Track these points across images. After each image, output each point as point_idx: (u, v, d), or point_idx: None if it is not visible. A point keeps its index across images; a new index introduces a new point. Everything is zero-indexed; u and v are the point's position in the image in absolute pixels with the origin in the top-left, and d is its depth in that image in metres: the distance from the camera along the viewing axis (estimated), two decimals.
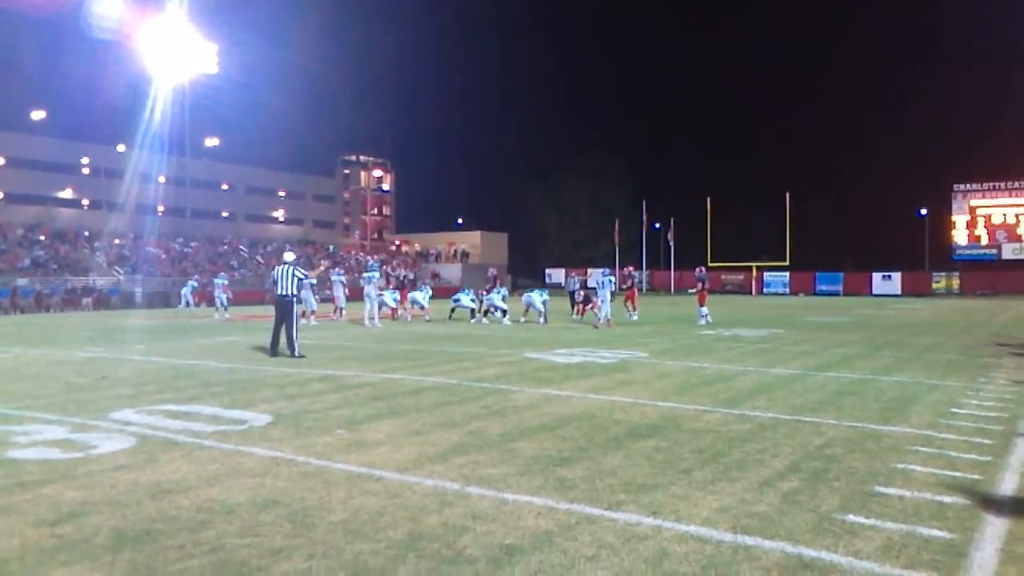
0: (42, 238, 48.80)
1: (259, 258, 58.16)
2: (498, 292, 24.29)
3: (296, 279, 13.88)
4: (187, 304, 30.79)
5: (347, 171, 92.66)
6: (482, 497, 5.00)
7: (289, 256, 14.49)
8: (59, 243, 49.03)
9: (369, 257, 25.28)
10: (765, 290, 61.95)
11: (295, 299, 13.84)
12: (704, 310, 23.41)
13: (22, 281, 40.08)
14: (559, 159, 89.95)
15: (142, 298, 41.95)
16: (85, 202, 59.58)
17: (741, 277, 63.23)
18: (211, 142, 63.91)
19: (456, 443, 6.58)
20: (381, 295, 23.68)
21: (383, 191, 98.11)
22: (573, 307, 26.76)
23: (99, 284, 43.14)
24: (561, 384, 10.15)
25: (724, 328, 20.97)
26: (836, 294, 58.26)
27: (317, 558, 3.95)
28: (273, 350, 13.74)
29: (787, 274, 61.36)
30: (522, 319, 23.37)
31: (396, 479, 5.43)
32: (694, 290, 24.62)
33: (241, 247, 59.83)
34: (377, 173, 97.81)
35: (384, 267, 38.67)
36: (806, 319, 26.18)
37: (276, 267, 14.58)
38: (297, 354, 13.27)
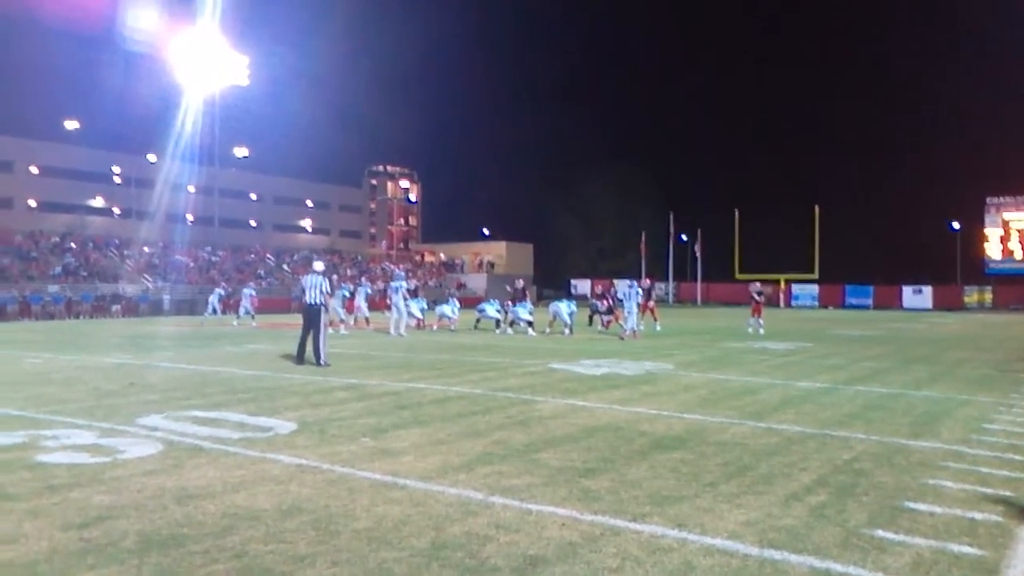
0: (73, 246, 49.45)
1: (286, 267, 58.59)
2: (523, 306, 24.12)
3: (322, 290, 13.96)
4: (214, 311, 31.01)
5: (374, 181, 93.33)
6: (506, 507, 4.98)
7: (319, 266, 14.59)
8: (90, 251, 49.69)
9: (396, 267, 25.49)
10: (793, 303, 61.41)
11: (322, 307, 13.92)
12: (759, 321, 24.68)
13: (53, 288, 40.66)
14: (585, 170, 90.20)
15: (170, 306, 42.37)
16: (116, 211, 60.39)
17: (769, 290, 62.56)
18: (240, 152, 64.61)
19: (480, 453, 6.57)
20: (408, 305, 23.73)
21: (409, 201, 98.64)
22: (591, 320, 26.87)
23: (128, 292, 43.66)
24: (586, 395, 10.11)
25: (752, 340, 20.82)
26: (866, 307, 57.64)
27: (341, 565, 3.95)
28: (299, 358, 13.82)
29: (816, 287, 60.82)
30: (547, 329, 23.32)
31: (420, 488, 5.43)
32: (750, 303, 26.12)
33: (268, 256, 60.34)
34: (404, 184, 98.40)
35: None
36: (835, 332, 25.92)
37: (305, 276, 14.69)
38: (323, 363, 13.34)
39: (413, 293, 29.58)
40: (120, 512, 4.81)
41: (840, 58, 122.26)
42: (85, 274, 45.18)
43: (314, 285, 13.92)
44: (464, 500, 5.14)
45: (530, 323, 23.56)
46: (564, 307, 23.51)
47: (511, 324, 24.25)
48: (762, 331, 24.16)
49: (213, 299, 31.54)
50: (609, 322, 25.52)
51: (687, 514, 4.87)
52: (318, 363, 13.35)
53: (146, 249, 52.32)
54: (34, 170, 56.52)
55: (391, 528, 4.54)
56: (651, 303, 25.64)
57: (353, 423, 7.94)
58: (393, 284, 23.74)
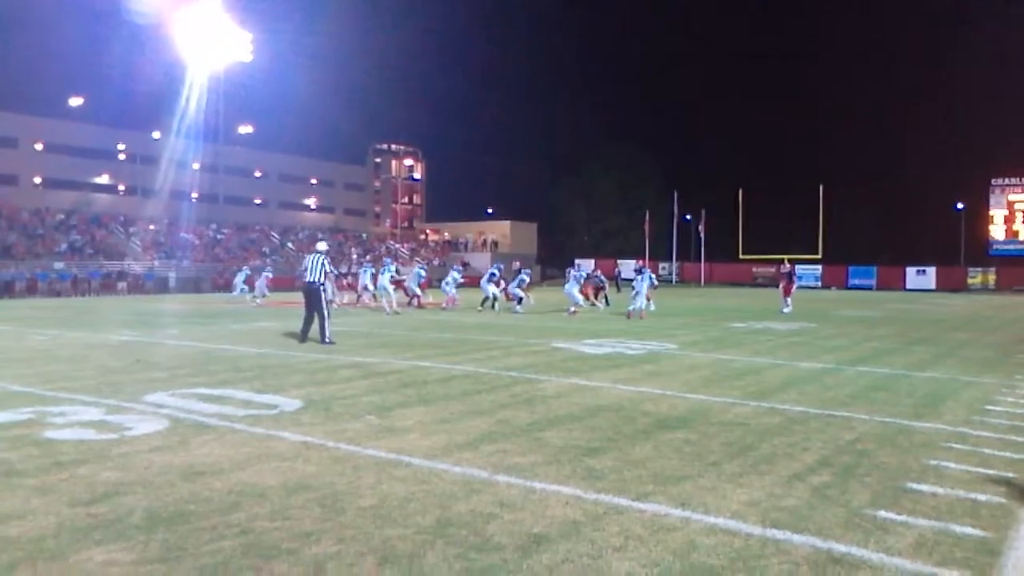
0: (79, 223, 49.54)
1: (290, 245, 58.63)
2: (517, 280, 24.57)
3: (323, 269, 13.98)
4: (240, 291, 30.95)
5: (378, 160, 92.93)
6: (510, 485, 5.01)
7: (322, 246, 14.62)
8: (95, 228, 49.76)
9: (388, 259, 26.82)
10: (796, 283, 61.30)
11: (322, 287, 13.93)
12: (788, 300, 25.93)
13: (59, 265, 40.76)
14: (589, 149, 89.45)
15: (176, 283, 42.51)
16: (121, 188, 60.33)
17: (772, 270, 62.56)
18: (244, 129, 64.47)
19: (485, 431, 6.60)
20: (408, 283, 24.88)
21: (414, 180, 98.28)
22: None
23: (134, 269, 43.75)
24: (590, 374, 10.13)
25: (755, 321, 20.82)
26: (869, 288, 57.48)
27: (346, 542, 3.98)
28: (303, 336, 13.86)
29: (819, 267, 60.67)
30: (573, 308, 23.19)
31: (425, 466, 5.46)
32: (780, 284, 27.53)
33: (273, 234, 60.37)
34: (408, 162, 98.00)
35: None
36: (838, 313, 25.91)
37: (308, 255, 14.72)
38: (328, 340, 13.38)
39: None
40: (127, 488, 4.85)
41: (844, 38, 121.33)
42: (91, 251, 45.29)
43: (315, 264, 13.94)
44: (468, 478, 5.17)
45: (520, 299, 24.16)
46: (575, 287, 23.88)
47: (519, 301, 24.34)
48: (788, 310, 25.21)
49: (239, 279, 31.49)
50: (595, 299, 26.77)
51: (690, 493, 4.89)
52: (323, 341, 13.38)
53: (151, 227, 52.40)
54: (39, 147, 56.41)
55: (396, 506, 4.58)
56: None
57: (358, 401, 7.98)
58: (383, 270, 24.02)
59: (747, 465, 5.61)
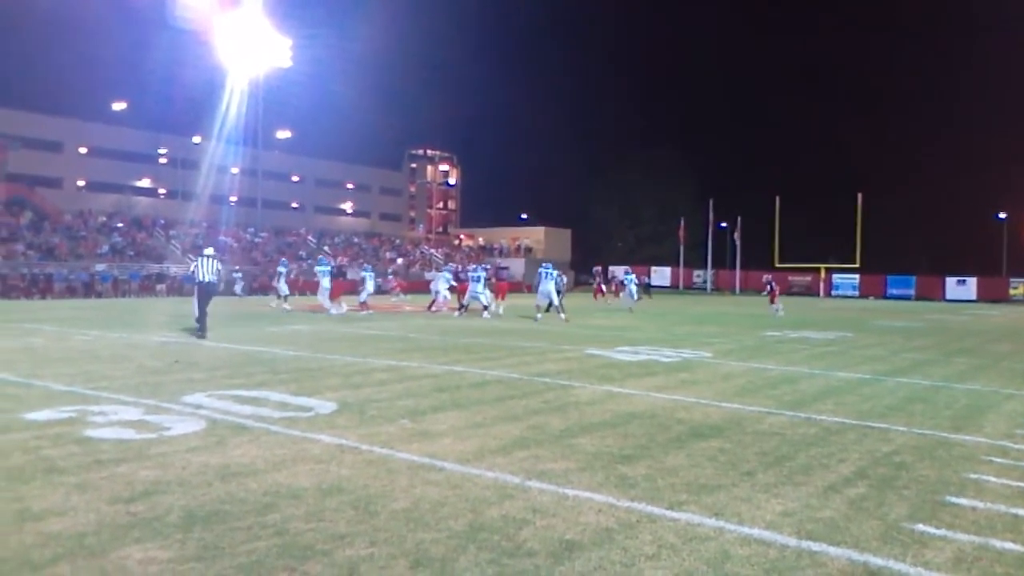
0: (120, 225, 50.38)
1: (327, 248, 59.14)
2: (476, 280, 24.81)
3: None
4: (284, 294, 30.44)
5: (414, 165, 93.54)
6: (542, 491, 5.01)
7: (209, 251, 16.24)
8: (136, 230, 50.57)
9: (448, 265, 27.70)
10: (833, 292, 60.56)
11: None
12: (778, 305, 28.32)
13: (100, 267, 41.48)
14: (624, 155, 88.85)
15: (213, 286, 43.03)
16: (162, 191, 61.37)
17: (809, 279, 61.97)
18: (283, 134, 65.09)
19: (517, 437, 6.61)
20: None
21: (449, 185, 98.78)
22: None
23: (173, 271, 44.38)
24: (623, 381, 10.10)
25: (791, 330, 20.61)
26: (908, 298, 56.62)
27: (379, 545, 4.01)
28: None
29: (857, 276, 59.88)
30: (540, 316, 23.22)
31: (458, 470, 5.48)
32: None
33: (310, 238, 60.96)
34: (443, 167, 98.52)
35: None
36: (876, 323, 25.55)
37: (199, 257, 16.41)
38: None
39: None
40: (165, 487, 4.92)
41: (883, 43, 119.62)
42: (132, 253, 46.02)
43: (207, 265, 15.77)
44: (501, 483, 5.18)
45: (486, 307, 24.20)
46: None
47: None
48: (782, 313, 27.78)
49: (281, 280, 30.77)
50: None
51: (724, 503, 4.86)
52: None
53: (191, 229, 53.13)
54: (83, 150, 57.57)
55: (429, 509, 4.60)
56: (613, 286, 27.73)
57: (392, 405, 8.03)
58: (363, 273, 25.03)
59: (782, 475, 5.55)
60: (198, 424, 6.85)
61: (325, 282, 24.85)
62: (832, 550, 4.09)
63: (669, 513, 4.64)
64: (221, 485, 5.00)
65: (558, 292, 23.37)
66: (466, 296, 24.48)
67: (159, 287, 40.73)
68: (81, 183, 57.29)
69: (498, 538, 4.14)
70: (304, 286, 35.90)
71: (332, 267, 27.35)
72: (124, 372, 10.15)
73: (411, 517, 4.45)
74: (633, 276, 32.04)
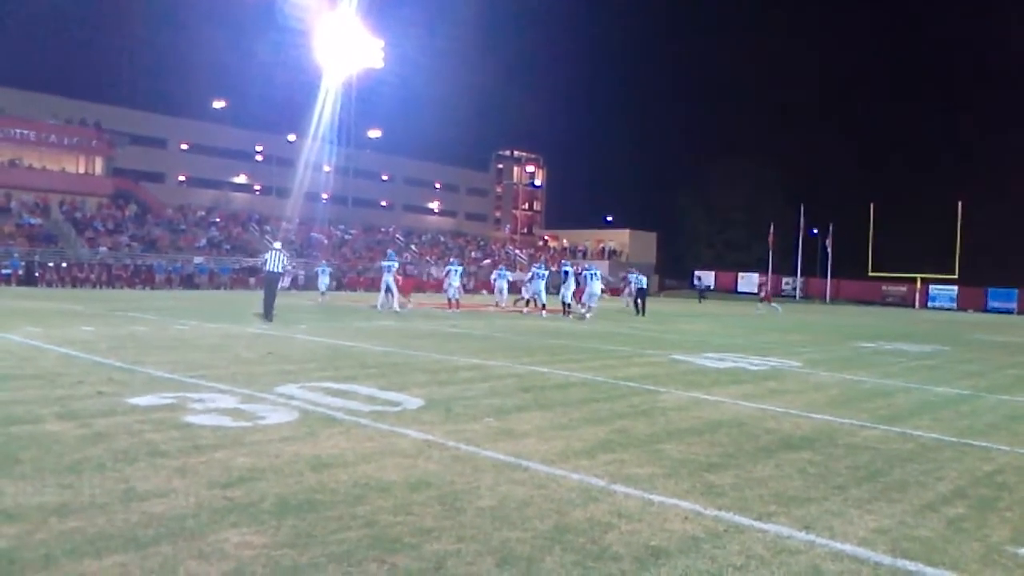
0: (217, 220, 52.21)
1: (414, 247, 60.05)
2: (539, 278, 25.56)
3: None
4: (324, 289, 30.77)
5: (500, 165, 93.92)
6: (627, 496, 4.99)
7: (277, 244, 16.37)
8: (232, 225, 52.33)
9: (538, 264, 27.95)
10: (929, 304, 58.38)
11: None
12: (773, 305, 32.06)
13: (198, 259, 43.07)
14: (713, 159, 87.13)
15: (304, 280, 44.15)
16: (257, 187, 63.33)
17: (904, 289, 59.92)
18: (373, 134, 66.38)
19: (602, 440, 6.59)
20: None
21: (535, 186, 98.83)
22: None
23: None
24: (710, 388, 9.95)
25: (884, 341, 19.96)
26: (1009, 312, 54.12)
27: (466, 541, 4.05)
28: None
29: (955, 288, 57.57)
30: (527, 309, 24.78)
31: (543, 471, 5.50)
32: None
33: (398, 236, 62.00)
34: (530, 168, 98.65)
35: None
36: (975, 336, 24.52)
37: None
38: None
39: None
40: (260, 475, 5.08)
41: (985, 41, 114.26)
42: (228, 247, 47.61)
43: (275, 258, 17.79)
44: (586, 486, 5.17)
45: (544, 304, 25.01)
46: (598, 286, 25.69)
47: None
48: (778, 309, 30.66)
49: (322, 280, 30.87)
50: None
51: (815, 516, 4.75)
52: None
53: (285, 225, 54.70)
54: (184, 147, 59.89)
55: (514, 508, 4.62)
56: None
57: (478, 403, 8.10)
58: (385, 264, 24.82)
59: (876, 491, 5.39)
60: (291, 415, 7.05)
61: (388, 279, 24.22)
62: (929, 570, 3.95)
63: (758, 524, 4.55)
64: (313, 475, 5.13)
65: (551, 289, 24.75)
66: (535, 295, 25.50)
67: (252, 280, 42.03)
68: (182, 178, 59.62)
69: (583, 540, 4.14)
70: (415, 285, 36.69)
71: (398, 264, 27.54)
72: (221, 361, 10.51)
73: (497, 515, 4.49)
74: (640, 276, 29.57)
